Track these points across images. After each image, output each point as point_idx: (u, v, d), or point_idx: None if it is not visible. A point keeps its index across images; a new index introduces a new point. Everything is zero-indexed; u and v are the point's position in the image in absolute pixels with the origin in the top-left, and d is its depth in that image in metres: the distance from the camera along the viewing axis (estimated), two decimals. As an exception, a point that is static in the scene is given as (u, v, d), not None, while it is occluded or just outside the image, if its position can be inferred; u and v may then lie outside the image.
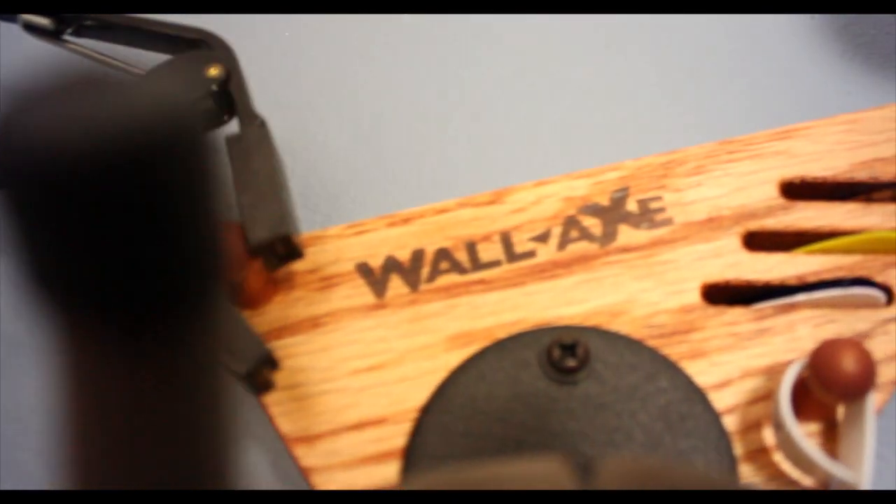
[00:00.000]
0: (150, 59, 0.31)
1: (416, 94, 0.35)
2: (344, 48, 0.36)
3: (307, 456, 0.27)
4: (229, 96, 0.29)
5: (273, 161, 0.27)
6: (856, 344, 0.25)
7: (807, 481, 0.26)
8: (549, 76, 0.35)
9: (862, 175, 0.30)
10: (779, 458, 0.26)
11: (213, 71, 0.29)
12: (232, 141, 0.28)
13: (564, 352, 0.27)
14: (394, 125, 0.34)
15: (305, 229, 0.30)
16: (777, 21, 0.36)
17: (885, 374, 0.27)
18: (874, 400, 0.26)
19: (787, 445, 0.26)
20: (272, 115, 0.34)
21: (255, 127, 0.28)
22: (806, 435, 0.26)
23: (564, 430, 0.26)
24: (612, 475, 0.19)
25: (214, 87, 0.29)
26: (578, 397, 0.26)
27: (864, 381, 0.25)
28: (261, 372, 0.26)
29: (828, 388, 0.25)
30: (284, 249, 0.27)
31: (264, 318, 0.29)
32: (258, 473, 0.29)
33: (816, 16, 0.36)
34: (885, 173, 0.30)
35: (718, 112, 0.34)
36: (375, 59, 0.36)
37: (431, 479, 0.21)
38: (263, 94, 0.33)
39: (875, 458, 0.25)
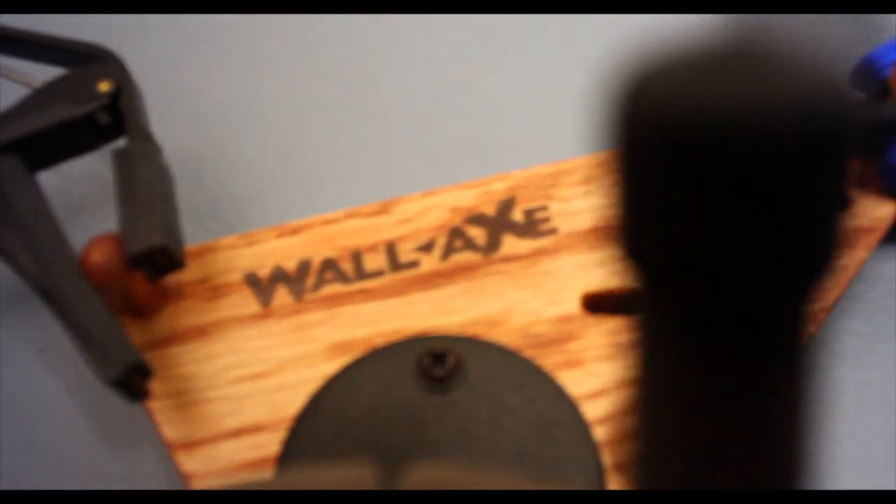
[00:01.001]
0: (54, 73, 0.31)
1: (320, 104, 0.35)
2: (252, 58, 0.36)
3: (187, 461, 0.27)
4: (121, 111, 0.29)
5: (155, 174, 0.28)
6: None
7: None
8: (444, 84, 0.35)
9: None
10: (650, 468, 0.26)
11: (104, 86, 0.29)
12: (118, 154, 0.29)
13: (435, 361, 0.27)
14: (297, 136, 0.34)
15: (211, 239, 0.31)
16: (686, 21, 0.35)
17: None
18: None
19: (652, 454, 0.26)
20: (182, 126, 0.34)
21: (141, 141, 0.29)
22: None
23: (433, 438, 0.26)
24: (415, 479, 0.19)
25: (105, 102, 0.29)
26: (449, 406, 0.27)
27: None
28: (132, 380, 0.26)
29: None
30: (163, 260, 0.27)
31: (154, 328, 0.29)
32: (155, 475, 0.29)
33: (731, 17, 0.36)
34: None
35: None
36: (279, 69, 0.36)
37: (260, 482, 0.21)
38: (175, 106, 0.34)
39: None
